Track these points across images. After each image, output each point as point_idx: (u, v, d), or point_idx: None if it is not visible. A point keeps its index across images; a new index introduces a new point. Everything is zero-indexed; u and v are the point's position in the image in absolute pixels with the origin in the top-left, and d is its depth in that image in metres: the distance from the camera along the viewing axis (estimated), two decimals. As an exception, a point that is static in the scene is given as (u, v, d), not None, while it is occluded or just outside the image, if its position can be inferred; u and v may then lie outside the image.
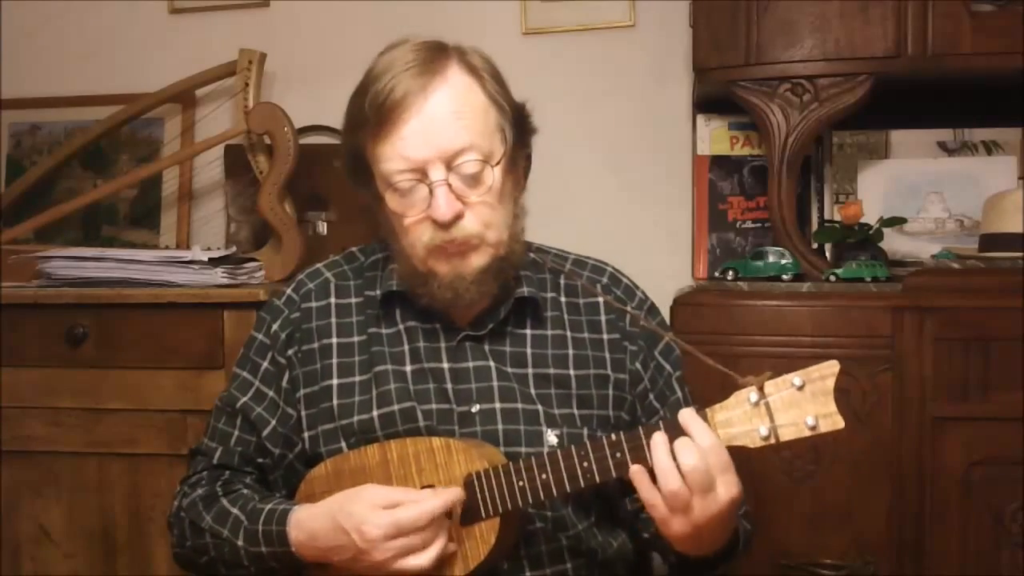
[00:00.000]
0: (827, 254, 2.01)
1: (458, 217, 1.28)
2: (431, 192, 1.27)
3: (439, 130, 1.27)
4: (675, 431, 1.16)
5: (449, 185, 1.27)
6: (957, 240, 2.02)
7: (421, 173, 1.28)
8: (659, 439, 1.16)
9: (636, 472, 1.16)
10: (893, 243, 2.01)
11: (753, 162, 2.15)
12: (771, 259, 1.88)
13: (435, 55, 1.30)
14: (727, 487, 1.15)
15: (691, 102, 2.26)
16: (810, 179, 2.13)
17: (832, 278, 1.82)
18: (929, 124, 2.09)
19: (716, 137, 2.17)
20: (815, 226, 2.11)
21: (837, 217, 2.02)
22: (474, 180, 1.29)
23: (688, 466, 1.13)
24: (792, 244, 1.90)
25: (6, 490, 2.04)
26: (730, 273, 1.91)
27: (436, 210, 1.27)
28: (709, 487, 1.14)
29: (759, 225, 2.14)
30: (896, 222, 1.93)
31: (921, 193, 2.07)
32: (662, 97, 2.33)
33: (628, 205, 2.36)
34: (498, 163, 1.30)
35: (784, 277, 1.86)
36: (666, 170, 2.33)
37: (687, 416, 1.16)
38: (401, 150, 1.27)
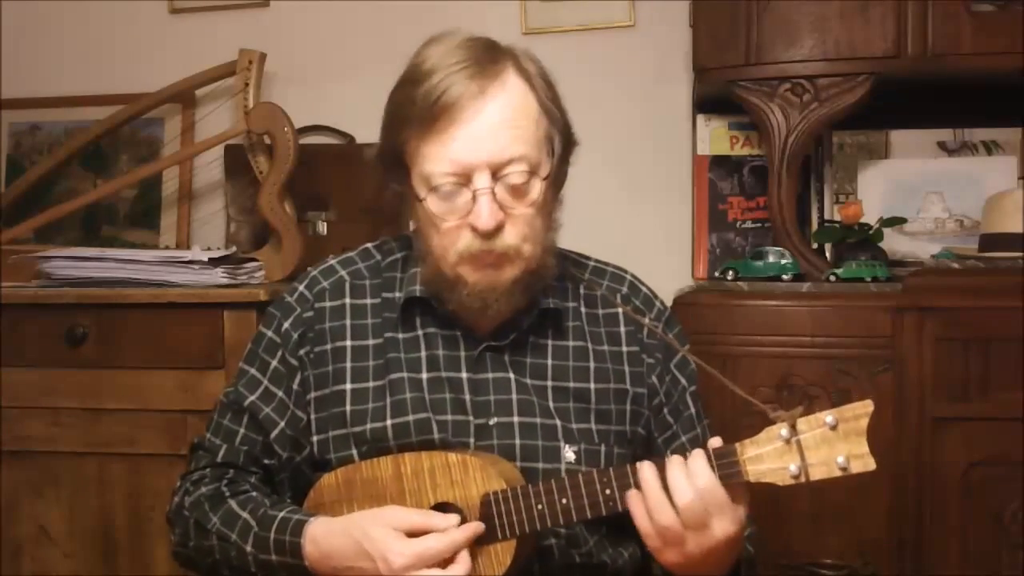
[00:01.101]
0: (827, 254, 2.01)
1: (499, 227, 1.24)
2: (474, 199, 1.23)
3: (491, 137, 1.23)
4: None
5: (493, 194, 1.23)
6: (957, 240, 2.02)
7: (466, 178, 1.23)
8: (650, 474, 1.15)
9: (632, 498, 1.16)
10: (893, 243, 2.01)
11: (753, 162, 2.15)
12: (771, 259, 1.88)
13: (491, 56, 1.26)
14: (722, 526, 1.14)
15: (691, 102, 2.26)
16: (810, 179, 2.13)
17: (832, 278, 1.82)
18: (929, 124, 2.09)
19: (716, 137, 2.17)
20: (815, 226, 2.11)
21: (837, 217, 2.02)
22: (519, 191, 1.25)
23: (683, 503, 1.13)
24: (792, 244, 1.90)
25: (6, 490, 2.04)
26: (730, 273, 1.91)
27: (478, 218, 1.23)
28: (703, 525, 1.13)
29: (759, 225, 2.14)
30: (896, 222, 1.93)
31: (921, 193, 2.07)
32: (662, 97, 2.34)
33: (628, 205, 2.36)
34: (546, 177, 1.27)
35: (784, 277, 1.86)
36: (666, 170, 2.33)
37: (695, 457, 1.15)
38: (450, 153, 1.23)
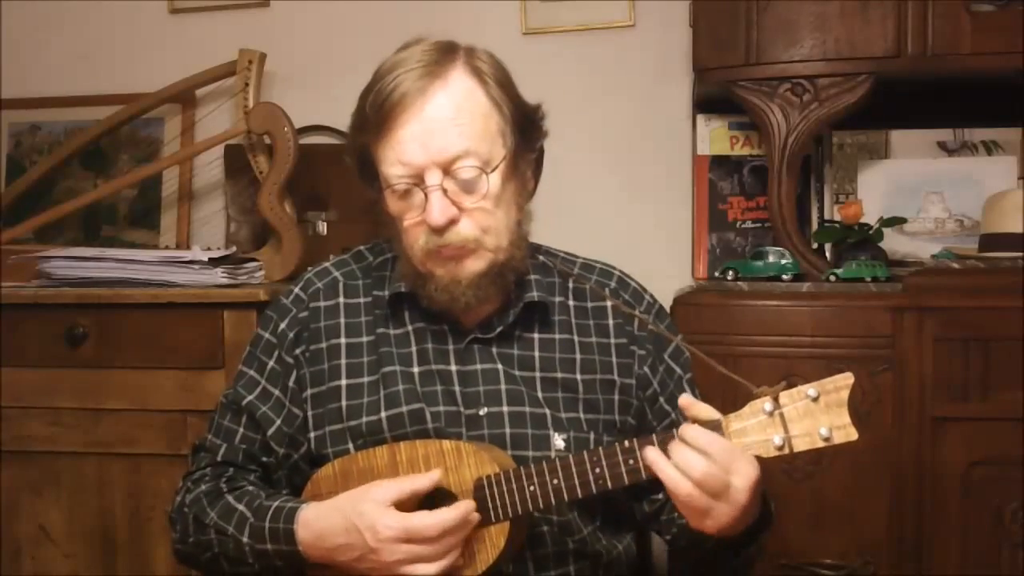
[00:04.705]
0: (827, 254, 2.01)
1: (452, 222, 1.27)
2: (426, 197, 1.27)
3: (436, 134, 1.26)
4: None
5: (444, 190, 1.27)
6: (957, 240, 2.02)
7: (418, 177, 1.27)
8: (655, 455, 1.15)
9: (658, 462, 1.15)
10: (893, 243, 2.01)
11: (753, 162, 2.15)
12: (771, 259, 1.88)
13: (441, 56, 1.29)
14: (742, 477, 1.14)
15: (691, 102, 2.26)
16: (810, 179, 2.13)
17: (832, 278, 1.82)
18: (929, 124, 2.09)
19: (716, 137, 2.17)
20: (815, 226, 2.11)
21: (837, 217, 2.02)
22: (470, 185, 1.28)
23: (698, 474, 1.13)
24: (792, 244, 1.90)
25: (6, 490, 2.04)
26: (730, 273, 1.91)
27: (429, 215, 1.27)
28: (724, 487, 1.14)
29: (759, 225, 2.14)
30: (896, 222, 1.93)
31: (921, 193, 2.06)
32: (662, 97, 2.33)
33: (628, 205, 2.36)
34: (495, 169, 1.29)
35: (784, 277, 1.86)
36: (666, 170, 2.33)
37: (685, 427, 1.16)
38: (399, 154, 1.27)
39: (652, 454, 1.16)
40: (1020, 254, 1.78)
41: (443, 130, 1.26)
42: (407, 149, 1.27)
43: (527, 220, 1.39)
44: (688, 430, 1.16)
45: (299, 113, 2.27)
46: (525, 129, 1.34)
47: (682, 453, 1.14)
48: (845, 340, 1.70)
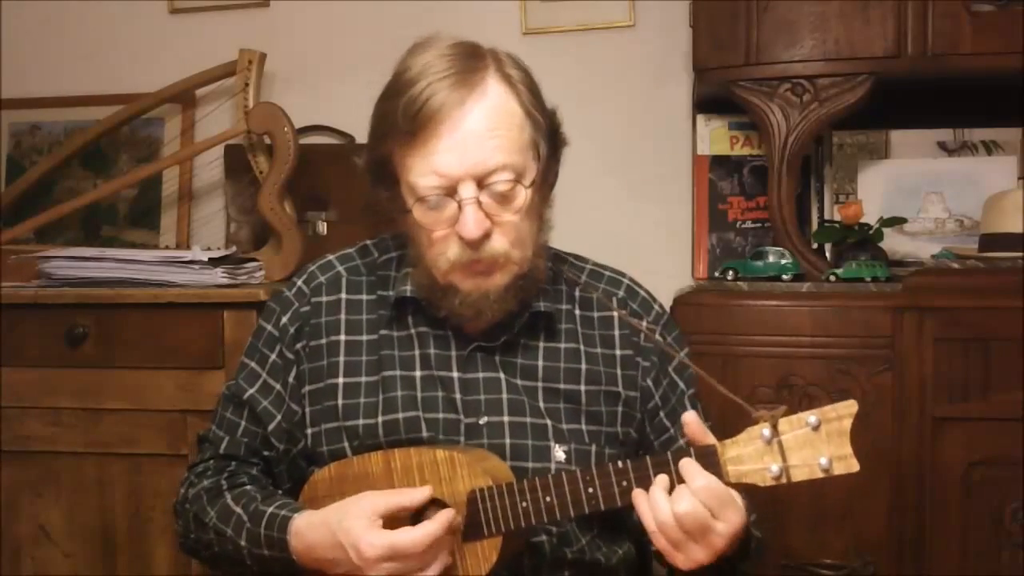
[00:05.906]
0: (827, 254, 2.01)
1: (486, 236, 1.25)
2: (460, 209, 1.25)
3: (473, 147, 1.23)
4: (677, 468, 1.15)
5: (479, 202, 1.24)
6: (957, 240, 2.02)
7: (451, 188, 1.24)
8: (639, 498, 1.15)
9: (637, 496, 1.15)
10: (893, 243, 2.01)
11: (753, 162, 2.15)
12: (771, 259, 1.88)
13: (472, 63, 1.26)
14: (727, 523, 1.12)
15: (691, 102, 2.26)
16: (810, 179, 2.13)
17: (832, 278, 1.82)
18: (929, 124, 2.09)
19: (716, 137, 2.17)
20: (815, 226, 2.11)
21: (837, 217, 2.01)
22: (505, 199, 1.25)
23: (680, 511, 1.11)
24: (792, 244, 1.90)
25: (6, 490, 2.04)
26: (730, 273, 1.91)
27: (464, 228, 1.24)
28: (705, 530, 1.12)
29: (759, 225, 2.14)
30: (896, 222, 1.93)
31: (921, 193, 2.06)
32: (662, 97, 2.34)
33: (628, 205, 2.36)
34: (531, 184, 1.27)
35: (784, 277, 1.86)
36: (666, 170, 2.33)
37: (685, 462, 1.14)
38: (433, 165, 1.24)
39: (638, 497, 1.15)
40: (1020, 254, 1.78)
41: (480, 143, 1.24)
42: (442, 160, 1.24)
43: (546, 229, 1.37)
44: (686, 467, 1.14)
45: (299, 113, 2.27)
46: (552, 138, 1.32)
47: (676, 492, 1.13)
48: (845, 340, 1.70)
